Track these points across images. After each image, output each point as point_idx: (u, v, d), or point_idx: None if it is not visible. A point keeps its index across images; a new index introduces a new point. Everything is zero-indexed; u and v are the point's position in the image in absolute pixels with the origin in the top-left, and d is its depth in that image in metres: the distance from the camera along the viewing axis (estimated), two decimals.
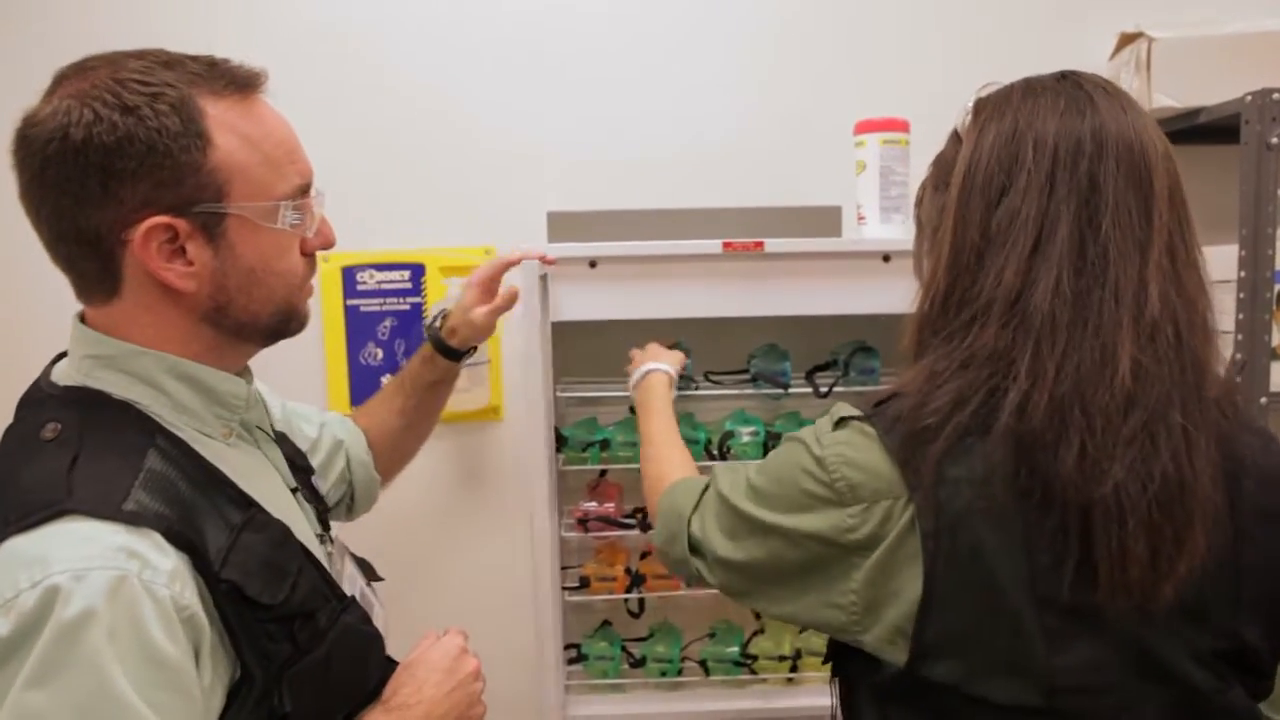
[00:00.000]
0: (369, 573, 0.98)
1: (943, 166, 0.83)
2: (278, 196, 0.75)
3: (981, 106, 0.79)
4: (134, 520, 0.64)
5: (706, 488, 0.91)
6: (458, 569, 1.70)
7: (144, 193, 0.69)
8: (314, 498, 0.93)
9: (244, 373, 0.85)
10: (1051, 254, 0.71)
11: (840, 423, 0.78)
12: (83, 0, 1.56)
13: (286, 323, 0.82)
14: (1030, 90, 0.77)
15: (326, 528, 0.94)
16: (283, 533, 0.75)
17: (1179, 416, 0.70)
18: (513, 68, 1.61)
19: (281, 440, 0.92)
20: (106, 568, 0.61)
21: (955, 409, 0.71)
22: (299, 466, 0.92)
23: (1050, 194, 0.73)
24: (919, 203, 0.87)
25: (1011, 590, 0.70)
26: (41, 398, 0.75)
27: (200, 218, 0.71)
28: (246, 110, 0.74)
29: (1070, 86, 0.76)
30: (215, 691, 0.68)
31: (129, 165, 0.68)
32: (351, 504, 1.17)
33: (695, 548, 0.89)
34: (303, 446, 1.02)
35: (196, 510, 0.69)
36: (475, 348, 1.24)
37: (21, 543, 0.62)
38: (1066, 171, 0.73)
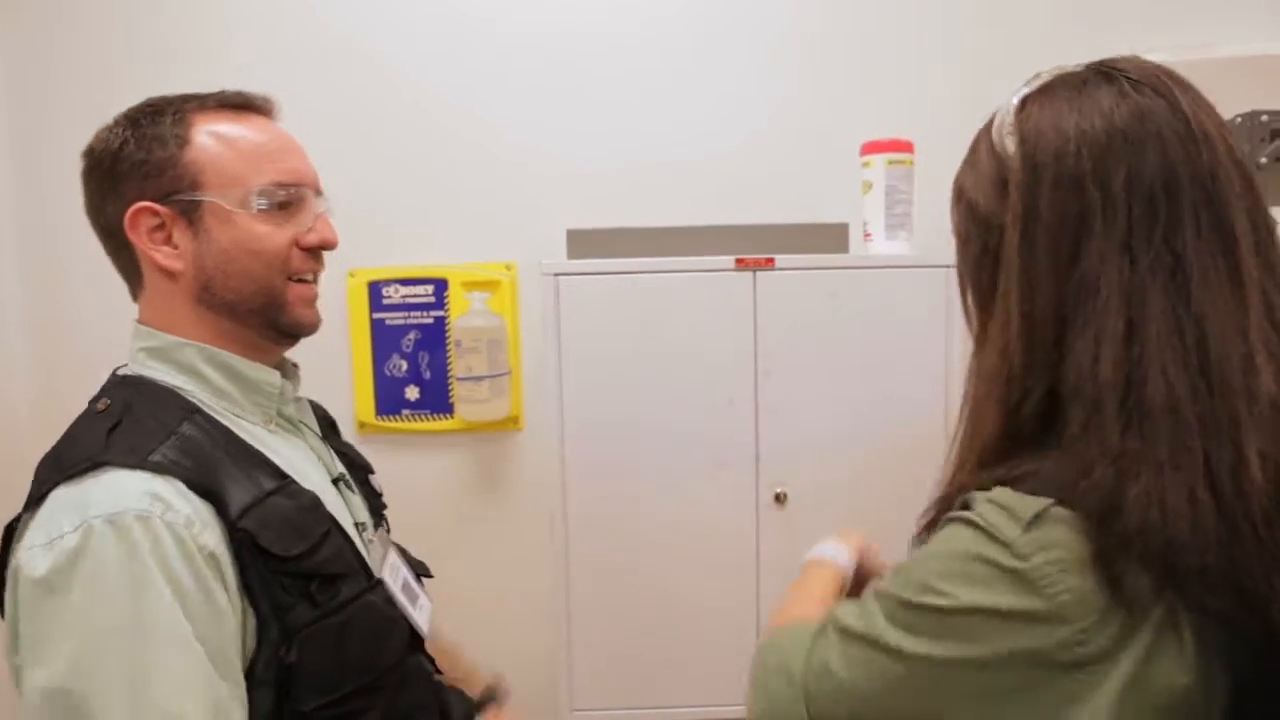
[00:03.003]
0: (419, 569, 1.03)
1: (983, 187, 0.71)
2: (250, 187, 0.85)
3: (1026, 125, 0.68)
4: (158, 469, 0.74)
5: (822, 628, 0.72)
6: (477, 573, 1.76)
7: (136, 186, 0.83)
8: (369, 494, 1.00)
9: (285, 370, 0.93)
10: (1148, 338, 0.62)
11: (1036, 520, 0.62)
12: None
13: (274, 307, 0.87)
14: (1085, 104, 0.67)
15: (378, 520, 1.00)
16: (313, 501, 0.82)
17: None
18: (534, 89, 1.68)
19: (344, 451, 1.00)
20: (134, 509, 0.71)
21: (1150, 515, 0.59)
22: (358, 465, 1.00)
23: (1132, 265, 0.63)
24: (954, 209, 0.76)
25: None
26: (104, 386, 0.86)
27: (179, 205, 0.83)
28: (234, 121, 0.86)
29: (1129, 102, 0.66)
30: (248, 628, 0.76)
31: (124, 166, 0.83)
32: None
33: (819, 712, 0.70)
34: None
35: (221, 469, 0.78)
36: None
37: (66, 491, 0.73)
38: (1145, 241, 0.63)
